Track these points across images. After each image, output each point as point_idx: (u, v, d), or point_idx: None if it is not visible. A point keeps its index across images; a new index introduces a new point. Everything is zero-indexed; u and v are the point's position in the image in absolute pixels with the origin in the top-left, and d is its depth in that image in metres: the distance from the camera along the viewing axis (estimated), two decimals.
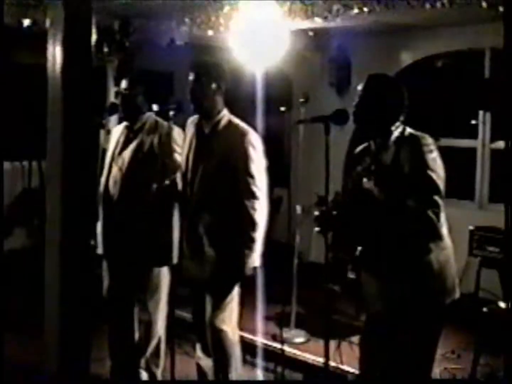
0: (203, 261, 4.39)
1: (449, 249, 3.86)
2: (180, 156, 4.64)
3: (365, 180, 3.73)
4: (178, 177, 4.54)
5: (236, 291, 4.45)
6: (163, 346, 4.90)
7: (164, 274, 4.82)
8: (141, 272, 4.77)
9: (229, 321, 4.44)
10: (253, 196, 4.28)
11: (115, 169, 4.80)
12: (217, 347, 4.46)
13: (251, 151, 4.32)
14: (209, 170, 4.37)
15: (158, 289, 4.81)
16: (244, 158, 4.30)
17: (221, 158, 4.34)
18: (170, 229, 4.64)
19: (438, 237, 3.77)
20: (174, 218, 4.64)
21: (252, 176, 4.29)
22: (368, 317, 4.08)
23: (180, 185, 4.50)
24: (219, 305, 4.40)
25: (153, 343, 4.84)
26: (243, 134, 4.36)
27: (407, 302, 3.76)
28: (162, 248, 4.69)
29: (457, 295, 3.89)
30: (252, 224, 4.26)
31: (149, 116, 4.84)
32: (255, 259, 4.31)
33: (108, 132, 5.21)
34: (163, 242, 4.69)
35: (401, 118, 3.82)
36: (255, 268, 4.32)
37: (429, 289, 3.78)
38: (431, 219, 3.63)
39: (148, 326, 4.82)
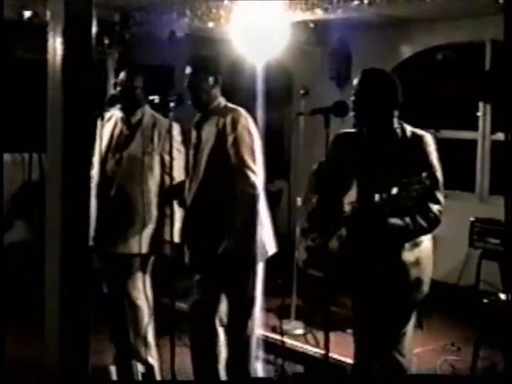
0: (205, 252, 4.38)
1: (431, 240, 3.90)
2: (178, 151, 4.65)
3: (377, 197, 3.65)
4: (177, 174, 4.55)
5: (254, 287, 4.37)
6: (150, 336, 4.90)
7: (147, 264, 4.85)
8: (126, 263, 4.79)
9: (250, 322, 4.41)
10: (245, 178, 4.18)
11: (111, 162, 4.80)
12: (235, 351, 4.47)
13: (240, 131, 4.24)
14: (204, 156, 4.33)
15: (140, 279, 4.82)
16: (234, 140, 4.22)
17: (214, 143, 4.29)
18: (163, 221, 4.66)
19: None
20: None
21: (242, 157, 4.20)
22: (357, 308, 4.07)
23: (187, 187, 4.49)
24: (235, 302, 4.41)
25: (142, 334, 4.85)
26: (232, 115, 4.29)
27: (401, 294, 3.78)
28: (155, 239, 4.72)
29: None
30: (246, 209, 4.19)
31: (147, 111, 4.84)
32: (260, 245, 4.27)
33: None
34: (156, 233, 4.73)
35: (396, 112, 3.81)
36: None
37: (420, 280, 3.80)
38: (437, 216, 3.66)
39: (134, 318, 4.84)
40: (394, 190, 3.44)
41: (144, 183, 4.75)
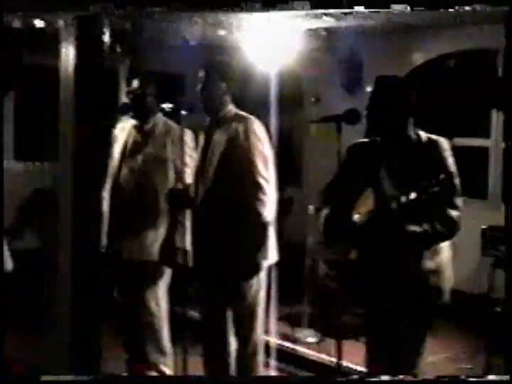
0: (213, 260, 4.38)
1: (451, 248, 3.86)
2: (191, 158, 4.64)
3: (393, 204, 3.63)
4: (189, 180, 4.54)
5: (258, 294, 4.38)
6: (167, 344, 4.90)
7: (162, 271, 4.83)
8: (141, 271, 4.79)
9: (255, 328, 4.41)
10: (258, 187, 4.18)
11: (125, 170, 4.81)
12: (243, 357, 4.45)
13: (253, 140, 4.23)
14: (213, 163, 4.32)
15: (156, 287, 4.81)
16: (247, 148, 4.22)
17: (224, 150, 4.28)
18: (174, 228, 4.66)
19: None
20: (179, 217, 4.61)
21: (256, 166, 4.20)
22: (369, 313, 4.05)
23: (192, 191, 4.48)
24: (240, 310, 4.38)
25: (157, 342, 4.85)
26: (244, 123, 4.28)
27: (421, 303, 3.75)
28: (166, 247, 4.70)
29: None
30: (258, 217, 4.18)
31: (160, 118, 4.85)
32: (267, 253, 4.26)
33: None
34: (167, 241, 4.71)
35: (411, 119, 3.79)
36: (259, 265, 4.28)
37: (440, 289, 3.77)
38: (456, 222, 3.63)
39: (150, 325, 4.83)
40: (413, 195, 3.42)
41: (157, 190, 4.75)
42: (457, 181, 3.68)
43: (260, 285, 4.39)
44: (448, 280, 3.81)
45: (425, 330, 3.82)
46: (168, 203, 4.63)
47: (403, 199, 3.47)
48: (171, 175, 4.75)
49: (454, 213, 3.62)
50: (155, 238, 4.74)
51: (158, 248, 4.72)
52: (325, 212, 3.91)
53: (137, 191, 4.77)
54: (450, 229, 3.65)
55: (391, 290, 3.75)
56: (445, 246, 3.78)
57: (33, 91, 8.09)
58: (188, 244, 4.63)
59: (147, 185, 4.76)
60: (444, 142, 3.76)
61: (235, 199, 4.26)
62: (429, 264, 3.72)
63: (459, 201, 3.65)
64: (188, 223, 4.61)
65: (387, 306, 3.81)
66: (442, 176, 3.37)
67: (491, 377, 4.54)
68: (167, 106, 4.51)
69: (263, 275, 4.38)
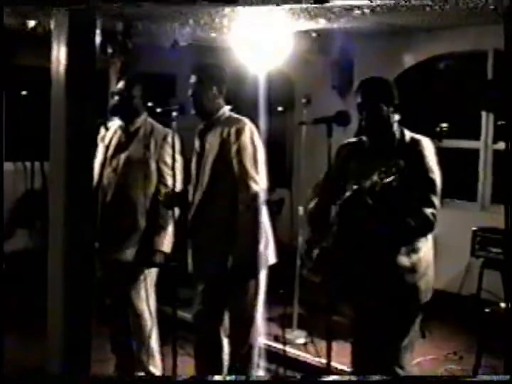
0: (208, 262, 4.38)
1: (432, 248, 3.87)
2: (174, 160, 4.58)
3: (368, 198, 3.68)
4: (176, 184, 4.54)
5: (255, 298, 4.37)
6: (155, 345, 4.89)
7: (148, 271, 4.81)
8: (129, 271, 4.78)
9: (252, 331, 4.40)
10: (248, 189, 4.19)
11: (108, 170, 4.80)
12: (237, 360, 4.44)
13: (244, 142, 4.23)
14: (208, 166, 4.33)
15: (141, 287, 4.79)
16: (237, 150, 4.22)
17: (217, 152, 4.29)
18: (154, 230, 4.70)
19: (427, 237, 3.81)
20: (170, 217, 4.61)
21: (245, 168, 4.21)
22: (356, 314, 4.07)
23: (190, 195, 4.47)
24: (238, 311, 4.39)
25: (145, 343, 4.84)
26: (236, 125, 4.28)
27: (395, 299, 3.77)
28: (151, 248, 4.72)
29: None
30: (247, 219, 4.19)
31: (145, 120, 4.84)
32: (261, 256, 4.25)
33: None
34: (145, 243, 4.72)
35: (397, 116, 3.82)
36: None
37: (416, 288, 3.78)
38: (429, 219, 3.64)
39: (137, 325, 4.83)
40: (375, 177, 3.50)
41: (140, 190, 4.74)
42: (436, 178, 3.70)
43: (258, 289, 4.38)
44: (425, 280, 3.81)
45: (403, 331, 3.81)
46: (165, 206, 4.62)
47: (368, 182, 3.56)
48: (154, 176, 4.74)
49: (428, 210, 3.63)
50: (136, 239, 4.74)
51: (136, 249, 4.73)
52: (311, 205, 4.00)
53: (119, 191, 4.76)
54: (422, 226, 3.67)
55: (368, 285, 3.79)
56: (423, 246, 3.79)
57: (23, 91, 8.09)
58: (168, 246, 4.67)
59: (128, 185, 4.75)
60: (426, 141, 3.79)
61: (229, 200, 4.27)
62: (403, 260, 3.73)
63: (435, 198, 3.67)
64: (170, 228, 4.64)
65: (366, 302, 3.84)
66: (400, 161, 3.44)
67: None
68: (157, 108, 4.50)
69: (262, 279, 4.38)
